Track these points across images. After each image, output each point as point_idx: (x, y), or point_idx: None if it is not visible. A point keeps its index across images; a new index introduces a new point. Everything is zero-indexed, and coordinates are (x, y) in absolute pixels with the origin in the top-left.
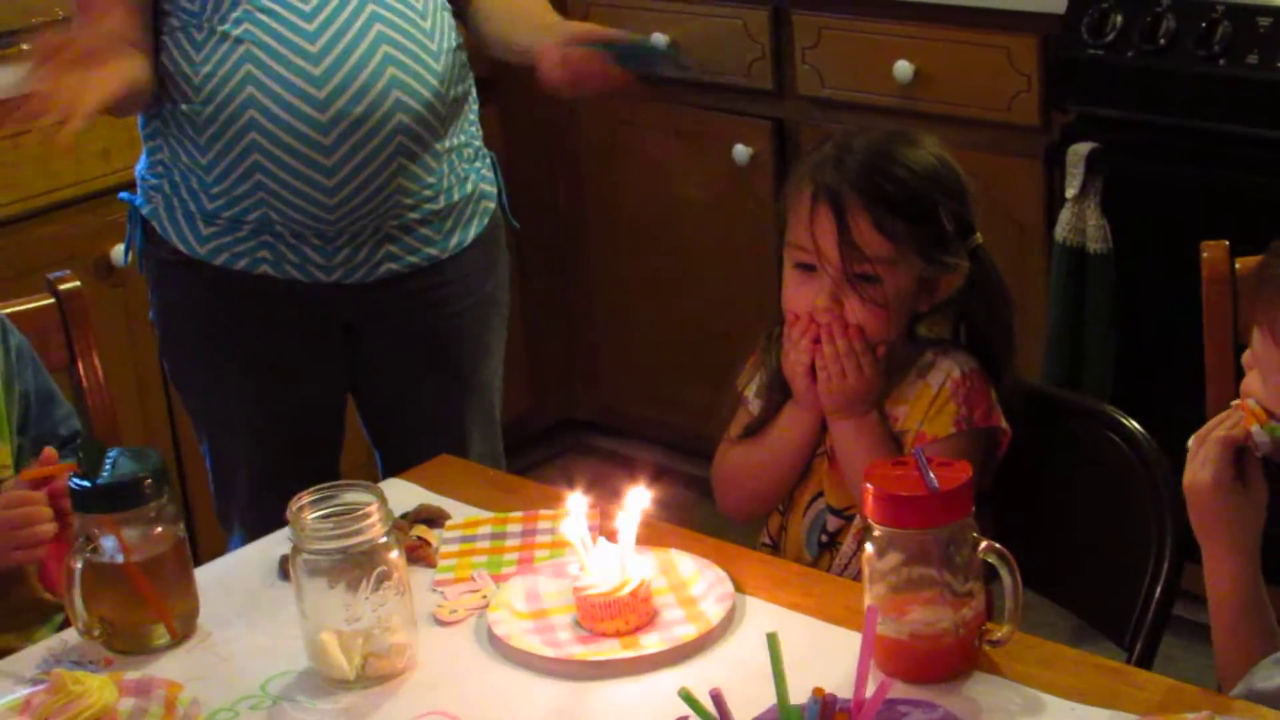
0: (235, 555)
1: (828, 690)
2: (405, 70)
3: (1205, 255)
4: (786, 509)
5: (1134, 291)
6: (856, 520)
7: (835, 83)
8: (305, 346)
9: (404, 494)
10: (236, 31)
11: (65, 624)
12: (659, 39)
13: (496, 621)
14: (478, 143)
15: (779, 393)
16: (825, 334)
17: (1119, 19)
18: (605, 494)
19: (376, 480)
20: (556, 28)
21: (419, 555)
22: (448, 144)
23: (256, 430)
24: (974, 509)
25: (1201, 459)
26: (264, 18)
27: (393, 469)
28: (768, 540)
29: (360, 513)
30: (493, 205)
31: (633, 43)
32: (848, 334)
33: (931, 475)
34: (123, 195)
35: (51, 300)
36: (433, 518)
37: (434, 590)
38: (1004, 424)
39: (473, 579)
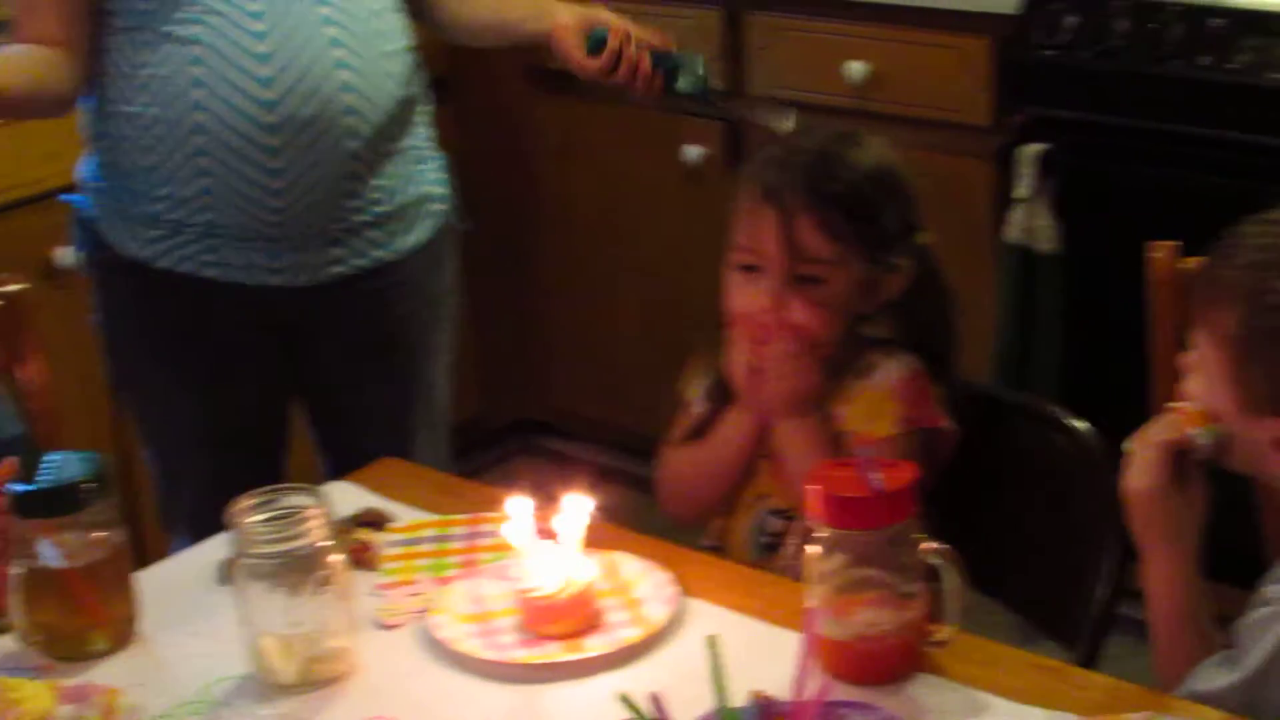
0: (176, 559)
1: (770, 692)
2: (355, 73)
3: (1152, 256)
4: (730, 511)
5: (1084, 292)
6: (799, 521)
7: (788, 83)
8: (251, 349)
9: (347, 497)
10: (184, 33)
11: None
12: (698, 60)
13: (439, 625)
14: (428, 145)
15: (722, 395)
16: (768, 335)
17: (1071, 20)
18: (552, 496)
19: (323, 484)
20: (565, 9)
21: (361, 559)
22: (397, 146)
23: (201, 434)
24: (918, 510)
25: (1140, 463)
26: (212, 19)
27: (339, 472)
28: (710, 542)
29: (301, 516)
30: (442, 207)
31: (684, 58)
32: (790, 335)
33: (876, 476)
34: (65, 197)
35: None
36: (376, 521)
37: (376, 594)
38: (947, 424)
39: (415, 582)
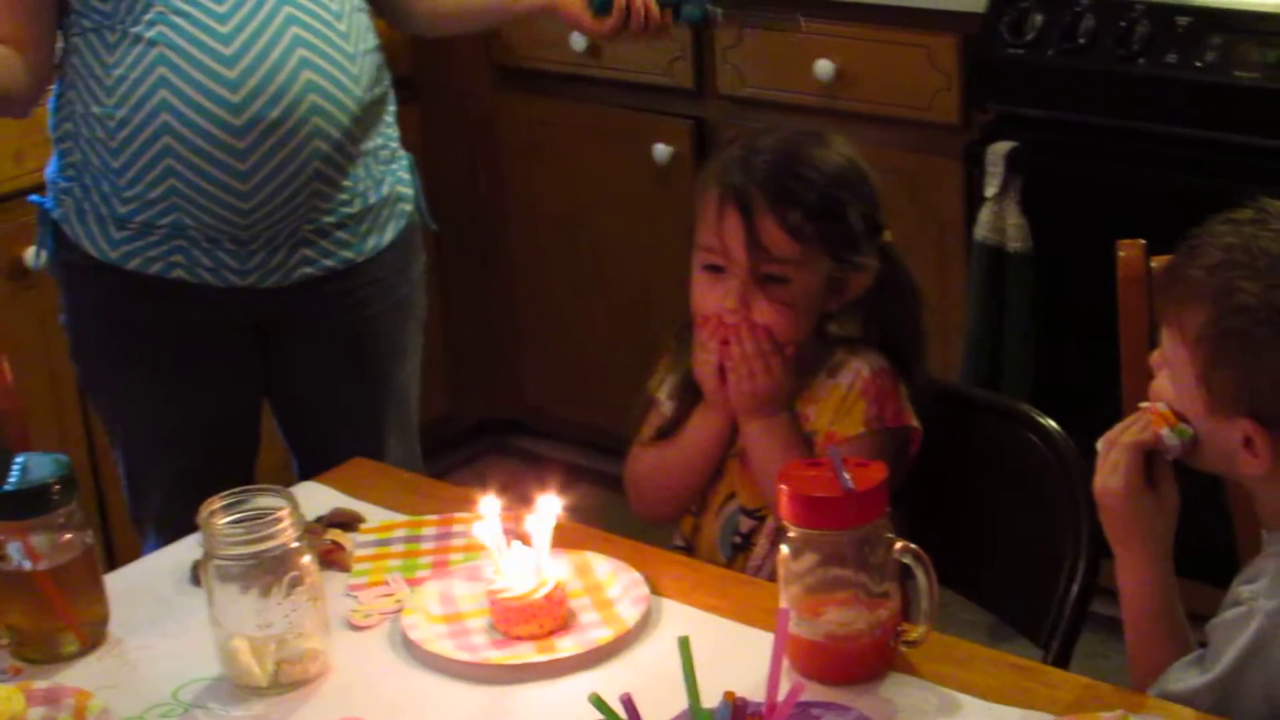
0: (146, 561)
1: (741, 693)
2: (321, 74)
3: (1121, 254)
4: (699, 510)
5: (1053, 290)
6: (769, 521)
7: (756, 82)
8: (219, 351)
9: (318, 498)
10: (150, 34)
11: None
12: None
13: (411, 626)
14: (395, 144)
15: (690, 394)
16: (734, 335)
17: (1039, 18)
18: (522, 496)
19: (293, 484)
20: None
21: (333, 559)
22: (364, 147)
23: (170, 436)
24: (889, 509)
25: (1111, 464)
26: (178, 20)
27: (310, 473)
28: (681, 542)
29: (272, 517)
30: (410, 207)
31: None
32: (756, 335)
33: (846, 476)
34: (33, 198)
35: None
36: (347, 521)
37: (348, 594)
38: (915, 422)
39: (387, 583)
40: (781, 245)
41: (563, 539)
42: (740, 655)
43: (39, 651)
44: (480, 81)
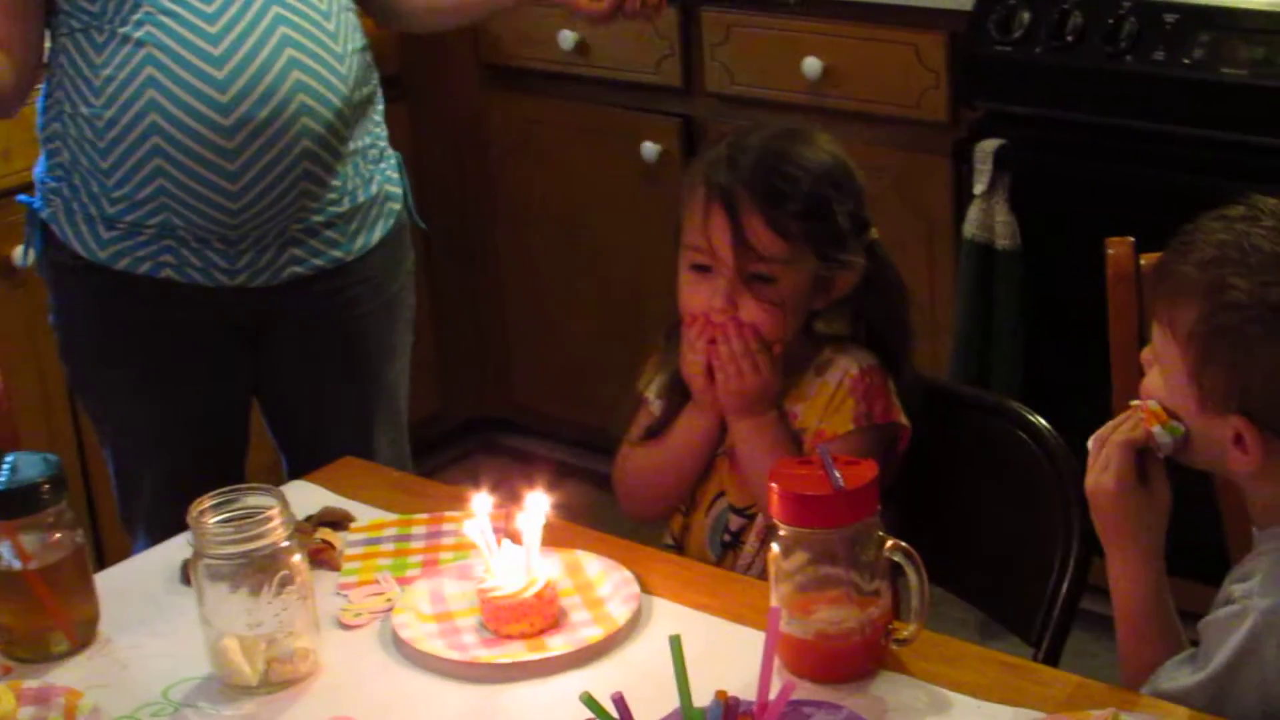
0: (136, 560)
1: (733, 692)
2: (310, 73)
3: (1110, 252)
4: (689, 509)
5: (1042, 288)
6: (759, 519)
7: (744, 80)
8: (209, 351)
9: (308, 496)
10: (138, 34)
11: None
12: None
13: (401, 625)
14: (383, 144)
15: (679, 394)
16: (721, 335)
17: (1026, 16)
18: (512, 494)
19: (283, 483)
20: None
21: (323, 558)
22: (353, 146)
23: (159, 435)
24: (880, 507)
25: (1103, 462)
26: (166, 20)
27: (299, 472)
28: (671, 541)
29: (261, 516)
30: (398, 206)
31: None
32: (743, 334)
33: (837, 474)
34: (21, 198)
35: None
36: (337, 520)
37: (338, 593)
38: (903, 420)
39: (377, 582)
40: (768, 244)
41: (553, 537)
42: (731, 654)
43: (29, 651)
44: (469, 80)
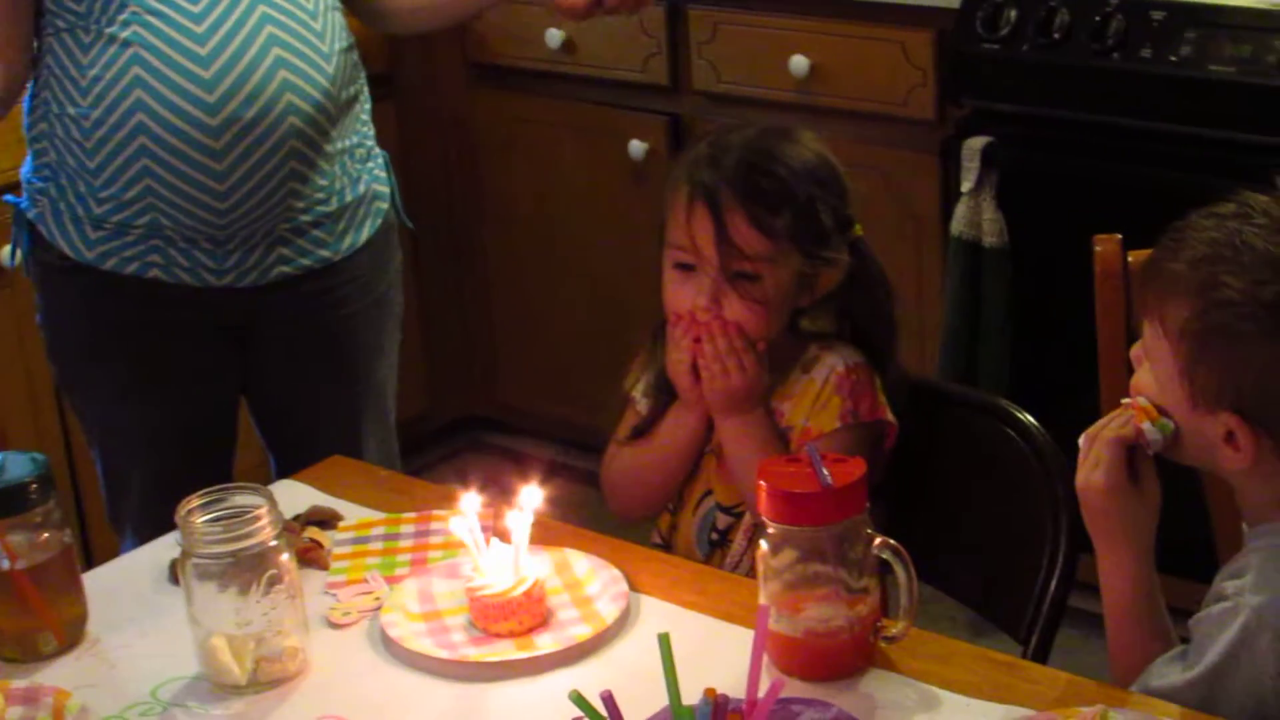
0: (124, 560)
1: (722, 690)
2: (297, 73)
3: (1098, 249)
4: (676, 507)
5: (1030, 285)
6: (746, 517)
7: (731, 78)
8: (197, 350)
9: (296, 495)
10: (124, 34)
11: None
12: None
13: (390, 623)
14: (370, 143)
15: (666, 393)
16: (705, 333)
17: (1013, 13)
18: (501, 492)
19: (271, 482)
20: None
21: (311, 557)
22: (340, 145)
23: (147, 435)
24: (868, 505)
25: (1093, 459)
26: (152, 20)
27: (287, 471)
28: (658, 539)
29: (250, 516)
30: (385, 205)
31: None
32: (728, 332)
33: (825, 471)
34: (8, 198)
35: None
36: (325, 519)
37: (326, 593)
38: (890, 417)
39: (365, 581)
40: (752, 242)
41: (541, 536)
42: (720, 652)
43: (17, 651)
44: (455, 78)
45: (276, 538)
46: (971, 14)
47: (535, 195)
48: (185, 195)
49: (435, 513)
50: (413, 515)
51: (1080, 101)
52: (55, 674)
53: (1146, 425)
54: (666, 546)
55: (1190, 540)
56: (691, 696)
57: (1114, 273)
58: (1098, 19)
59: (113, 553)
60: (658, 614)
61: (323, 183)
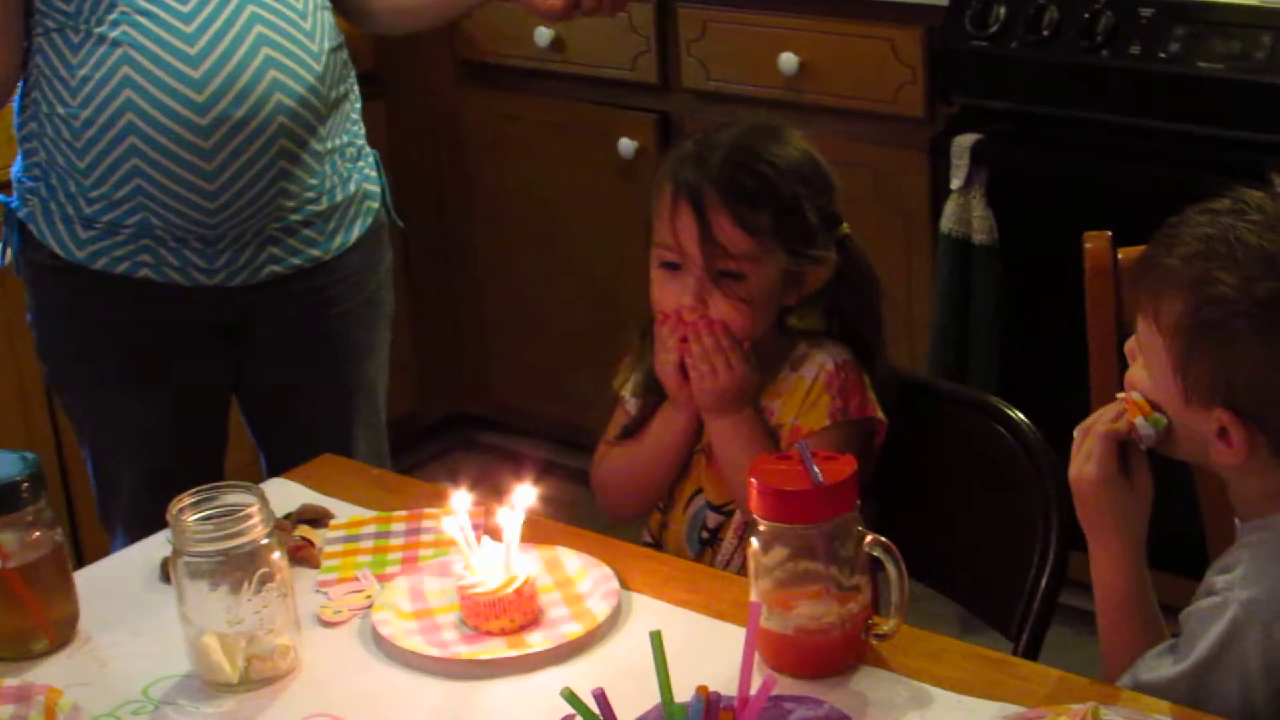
0: (116, 558)
1: (713, 687)
2: (286, 72)
3: (1087, 246)
4: (667, 506)
5: (1019, 283)
6: (736, 516)
7: (720, 75)
8: (187, 350)
9: (287, 494)
10: (114, 34)
11: None
12: None
13: (381, 622)
14: (360, 142)
15: (655, 392)
16: (692, 332)
17: (1002, 10)
18: (492, 491)
19: (262, 480)
20: None
21: (302, 556)
22: (330, 145)
23: (138, 434)
24: (859, 502)
25: (1086, 452)
26: (142, 19)
27: (278, 469)
28: (649, 538)
29: (241, 514)
30: (376, 204)
31: None
32: (715, 331)
33: (816, 469)
34: None
35: None
36: (316, 518)
37: (318, 591)
38: (879, 415)
39: (357, 579)
40: (736, 241)
41: (532, 534)
42: (712, 649)
43: (9, 649)
44: (444, 77)
45: (268, 536)
46: (960, 11)
47: (525, 193)
48: (175, 195)
49: (426, 511)
50: (404, 513)
51: (1069, 98)
52: (47, 672)
53: (1139, 420)
54: (657, 545)
55: (1181, 536)
56: (683, 694)
57: (1104, 269)
58: (1087, 16)
59: (104, 551)
60: (649, 612)
61: (313, 182)
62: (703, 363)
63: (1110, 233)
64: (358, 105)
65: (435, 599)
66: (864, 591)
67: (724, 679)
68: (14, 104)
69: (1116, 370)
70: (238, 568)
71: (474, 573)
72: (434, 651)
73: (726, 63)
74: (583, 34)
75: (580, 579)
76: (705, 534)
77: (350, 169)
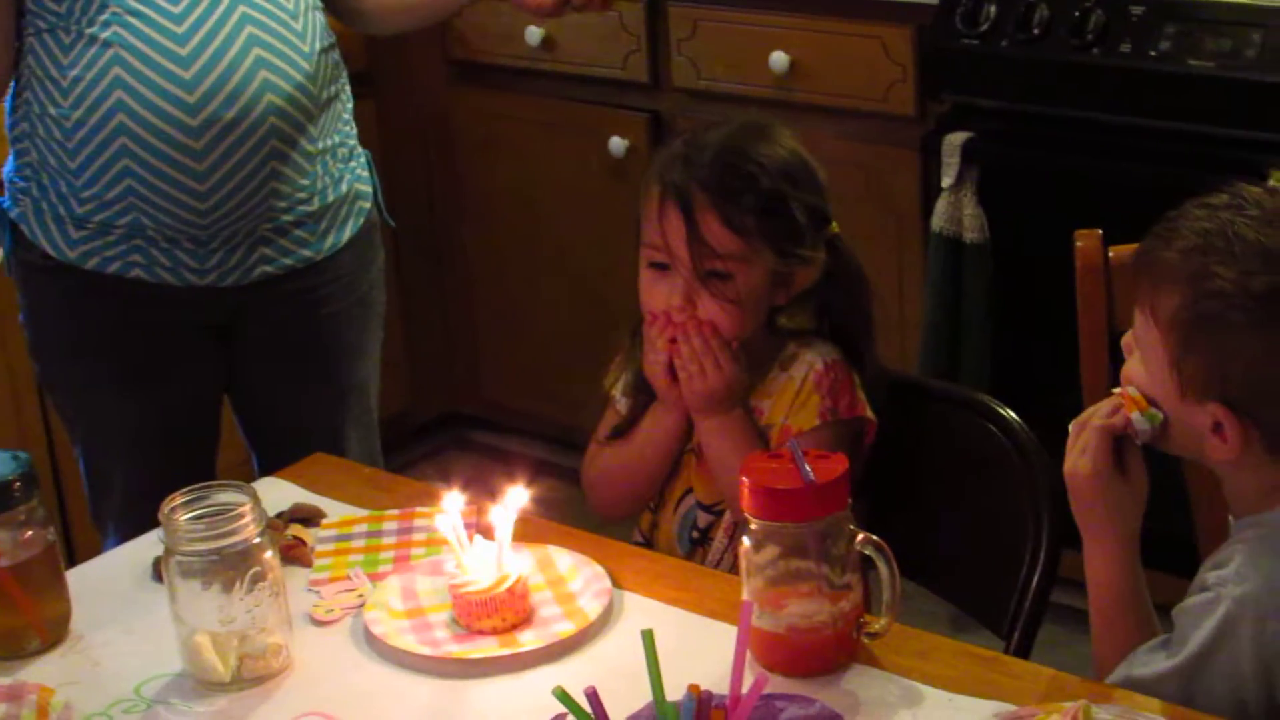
0: (108, 557)
1: (705, 686)
2: (277, 73)
3: (1079, 244)
4: (657, 506)
5: (1010, 281)
6: (727, 515)
7: (711, 74)
8: (179, 350)
9: (279, 493)
10: (105, 34)
11: None
12: None
13: (373, 620)
14: (352, 142)
15: (645, 392)
16: (681, 333)
17: (992, 8)
18: (484, 490)
19: (254, 480)
20: None
21: (294, 555)
22: (321, 145)
23: (130, 434)
24: (851, 501)
25: (1081, 446)
26: (133, 20)
27: (270, 469)
28: (640, 538)
29: (233, 513)
30: (368, 204)
31: None
32: (703, 332)
33: (807, 468)
34: None
35: None
36: (308, 517)
37: (309, 590)
38: (869, 414)
39: (349, 578)
40: (723, 241)
41: (524, 533)
42: (703, 648)
43: (1, 648)
44: (435, 76)
45: (260, 535)
46: (951, 9)
47: (516, 193)
48: (166, 195)
49: (418, 510)
50: (395, 512)
51: (1060, 97)
52: (39, 671)
53: (1135, 415)
54: (648, 545)
55: (1173, 534)
56: (675, 693)
57: (1095, 267)
58: (1077, 14)
59: (96, 551)
60: (641, 610)
61: (304, 182)
62: (691, 363)
63: (1101, 231)
64: (350, 106)
65: (427, 598)
66: (855, 590)
67: (716, 677)
68: (5, 104)
69: (1108, 369)
70: (230, 567)
71: (466, 572)
72: (426, 650)
73: (717, 61)
74: (573, 33)
75: (572, 578)
76: (696, 534)
77: (342, 169)
